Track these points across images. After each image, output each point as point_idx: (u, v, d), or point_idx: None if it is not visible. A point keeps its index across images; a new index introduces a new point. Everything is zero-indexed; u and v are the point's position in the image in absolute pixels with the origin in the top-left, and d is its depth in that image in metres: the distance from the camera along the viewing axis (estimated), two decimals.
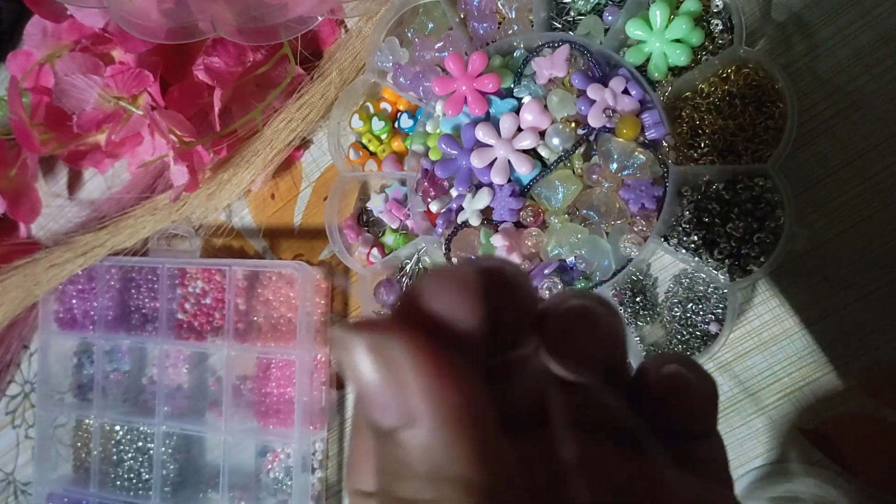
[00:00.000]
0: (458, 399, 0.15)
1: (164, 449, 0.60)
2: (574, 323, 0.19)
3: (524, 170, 0.46)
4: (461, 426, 0.15)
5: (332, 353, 0.18)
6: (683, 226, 0.44)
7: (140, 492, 0.62)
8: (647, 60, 0.46)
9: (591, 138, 0.46)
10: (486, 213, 0.48)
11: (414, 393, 0.15)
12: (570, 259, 0.47)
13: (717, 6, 0.45)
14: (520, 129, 0.47)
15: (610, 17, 0.47)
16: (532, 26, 0.49)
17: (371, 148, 0.55)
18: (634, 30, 0.45)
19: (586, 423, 0.19)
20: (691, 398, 0.20)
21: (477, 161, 0.47)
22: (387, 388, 0.15)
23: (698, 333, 0.45)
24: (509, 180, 0.47)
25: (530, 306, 0.19)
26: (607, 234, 0.46)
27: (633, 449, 0.19)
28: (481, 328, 0.17)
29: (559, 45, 0.47)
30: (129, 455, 0.63)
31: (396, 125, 0.54)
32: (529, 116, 0.47)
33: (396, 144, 0.54)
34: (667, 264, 0.47)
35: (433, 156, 0.50)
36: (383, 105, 0.55)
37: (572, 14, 0.49)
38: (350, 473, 0.19)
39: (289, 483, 0.57)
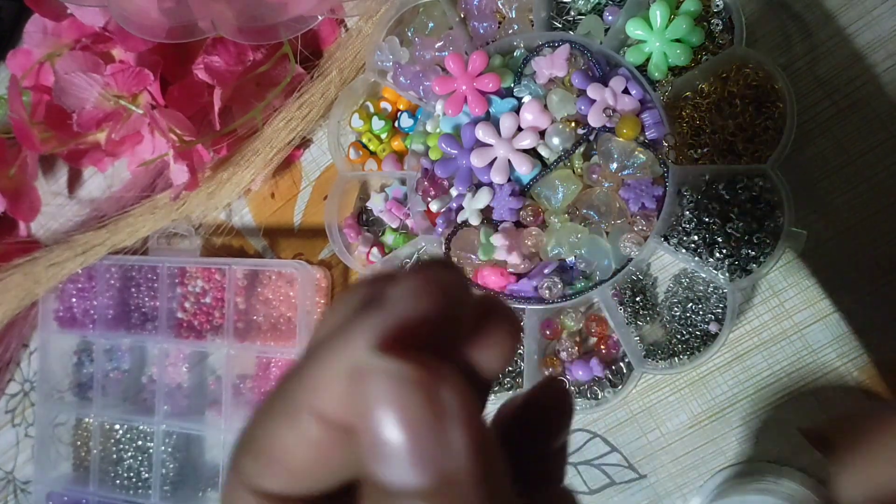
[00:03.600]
0: (498, 456, 0.13)
1: (163, 448, 0.60)
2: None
3: (524, 169, 0.46)
4: (501, 485, 0.13)
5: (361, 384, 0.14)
6: (683, 226, 0.44)
7: (139, 490, 0.62)
8: (648, 60, 0.46)
9: (591, 138, 0.46)
10: (486, 212, 0.48)
11: (458, 451, 0.13)
12: (570, 259, 0.47)
13: (717, 6, 0.45)
14: (520, 129, 0.47)
15: (610, 17, 0.47)
16: (532, 26, 0.49)
17: (371, 147, 0.55)
18: (634, 29, 0.45)
19: None
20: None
21: (477, 160, 0.47)
22: (427, 442, 0.13)
23: (698, 333, 0.45)
24: (509, 180, 0.47)
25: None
26: (607, 233, 0.46)
27: None
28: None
29: (559, 45, 0.47)
30: (129, 454, 0.63)
31: (396, 124, 0.54)
32: (529, 116, 0.47)
33: (396, 144, 0.54)
34: (667, 264, 0.47)
35: (433, 155, 0.50)
36: (383, 104, 0.55)
37: (572, 14, 0.49)
38: (255, 464, 0.16)
39: None
